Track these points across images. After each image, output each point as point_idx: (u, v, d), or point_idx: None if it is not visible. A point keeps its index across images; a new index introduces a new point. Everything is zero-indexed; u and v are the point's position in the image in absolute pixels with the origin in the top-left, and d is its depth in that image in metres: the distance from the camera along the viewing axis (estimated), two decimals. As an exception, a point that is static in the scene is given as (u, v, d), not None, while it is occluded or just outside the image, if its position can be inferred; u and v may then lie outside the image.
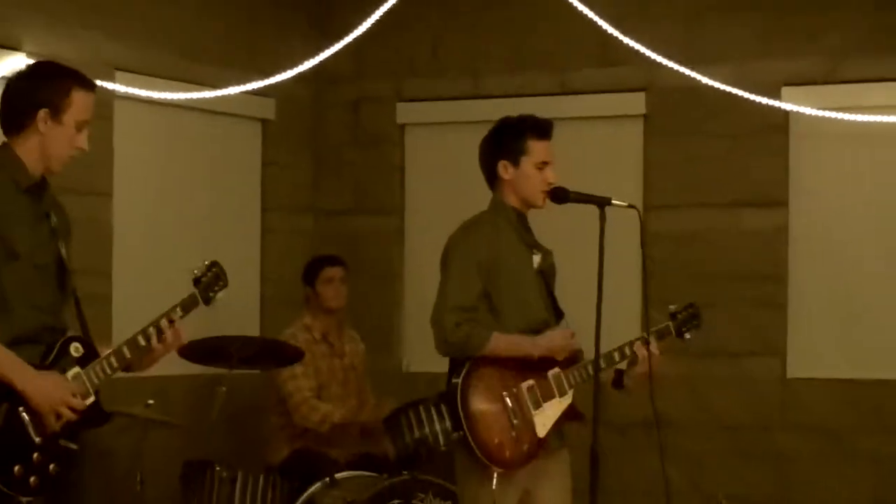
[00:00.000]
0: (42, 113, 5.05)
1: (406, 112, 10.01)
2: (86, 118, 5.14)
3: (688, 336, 6.37)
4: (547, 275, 6.22)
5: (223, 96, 9.13)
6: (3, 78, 7.77)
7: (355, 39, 9.30)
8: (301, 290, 8.69)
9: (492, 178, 6.19)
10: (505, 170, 6.12)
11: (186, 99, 8.95)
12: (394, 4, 9.06)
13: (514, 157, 6.11)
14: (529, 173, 6.10)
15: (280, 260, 9.68)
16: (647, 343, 6.11)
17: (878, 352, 9.02)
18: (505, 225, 6.14)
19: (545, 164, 6.11)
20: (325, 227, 10.09)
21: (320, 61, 9.43)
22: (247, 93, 9.28)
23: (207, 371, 7.71)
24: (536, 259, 6.17)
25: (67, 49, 8.07)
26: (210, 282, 5.30)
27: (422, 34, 9.86)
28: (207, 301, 5.29)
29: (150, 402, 7.63)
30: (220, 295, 5.33)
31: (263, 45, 9.56)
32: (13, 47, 7.95)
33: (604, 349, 5.83)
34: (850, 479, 8.96)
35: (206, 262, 5.35)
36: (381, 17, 9.15)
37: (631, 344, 6.10)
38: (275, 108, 9.72)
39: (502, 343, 5.96)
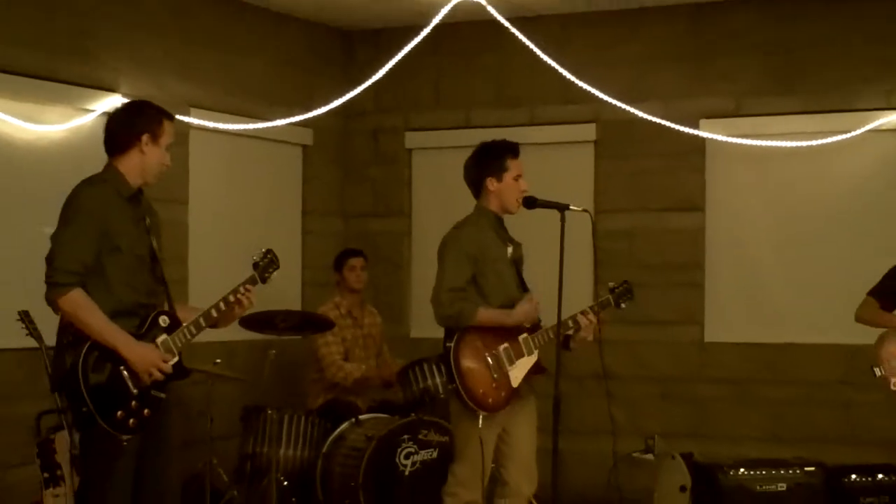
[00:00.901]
0: (145, 137, 5.10)
1: (413, 139, 10.01)
2: (171, 141, 5.22)
3: (623, 306, 6.30)
4: (517, 262, 6.20)
5: (273, 127, 9.12)
6: (104, 113, 7.69)
7: (374, 83, 9.21)
8: (332, 276, 8.69)
9: (477, 190, 6.17)
10: (491, 184, 6.09)
11: (244, 129, 8.94)
12: (402, 57, 9.08)
13: (499, 174, 6.09)
14: (510, 185, 6.08)
15: (316, 252, 9.66)
16: (596, 312, 6.11)
17: (773, 322, 9.04)
18: (486, 225, 6.13)
19: (519, 176, 6.12)
20: (351, 227, 10.08)
21: (347, 100, 9.36)
22: (291, 124, 9.25)
23: (261, 337, 7.65)
24: (510, 250, 6.15)
25: (153, 90, 8.02)
26: (266, 265, 5.33)
27: (425, 80, 9.85)
28: (264, 280, 5.31)
29: (218, 360, 7.64)
30: (273, 275, 5.36)
31: (304, 88, 9.54)
32: (111, 89, 7.96)
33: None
34: (751, 418, 9.01)
35: (263, 250, 5.39)
36: (392, 66, 9.13)
37: (575, 316, 6.07)
38: (312, 136, 9.70)
39: (485, 316, 5.98)
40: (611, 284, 6.28)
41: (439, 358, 6.43)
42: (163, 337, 5.06)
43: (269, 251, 5.40)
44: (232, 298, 5.19)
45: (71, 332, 4.93)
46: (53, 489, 6.62)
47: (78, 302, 4.87)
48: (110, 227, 4.99)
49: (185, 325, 5.12)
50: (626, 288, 6.31)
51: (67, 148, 7.73)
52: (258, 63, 9.28)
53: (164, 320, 5.10)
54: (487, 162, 6.16)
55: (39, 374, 6.92)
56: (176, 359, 5.08)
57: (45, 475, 6.64)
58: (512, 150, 6.17)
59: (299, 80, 9.60)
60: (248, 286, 5.22)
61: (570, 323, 6.06)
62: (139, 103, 5.38)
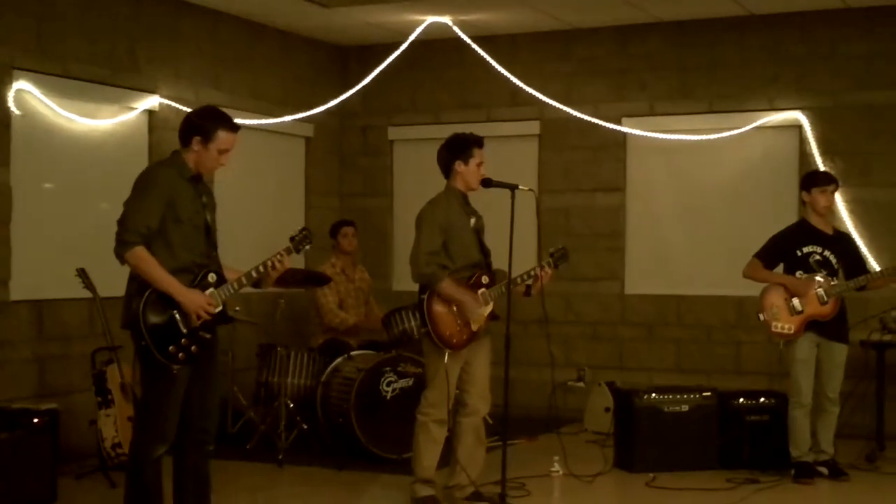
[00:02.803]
0: (196, 139, 4.96)
1: (394, 133, 9.91)
2: (227, 148, 5.00)
3: (560, 266, 6.22)
4: (479, 231, 6.13)
5: (281, 122, 9.06)
6: (145, 111, 7.82)
7: (363, 89, 9.29)
8: (329, 241, 8.59)
9: (447, 171, 6.08)
10: (459, 166, 6.01)
11: (259, 124, 8.84)
12: (385, 68, 9.12)
13: (466, 159, 6.01)
14: (474, 169, 6.02)
15: (317, 224, 9.42)
16: (552, 266, 6.09)
17: (678, 278, 9.02)
18: (454, 201, 6.05)
19: (481, 163, 6.06)
20: (345, 204, 9.98)
21: (341, 102, 9.39)
22: (296, 120, 9.19)
23: (273, 290, 7.58)
24: (473, 221, 6.07)
25: (186, 93, 8.06)
26: (301, 239, 5.18)
27: (404, 86, 9.74)
28: (298, 251, 5.19)
29: (238, 308, 7.49)
30: (307, 248, 5.23)
31: (306, 92, 9.44)
32: (152, 91, 7.89)
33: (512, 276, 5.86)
34: (661, 354, 9.02)
35: (300, 228, 5.27)
36: (377, 75, 9.18)
37: (530, 270, 5.99)
38: (313, 131, 9.60)
39: (447, 289, 5.88)
40: (551, 250, 6.22)
41: (415, 307, 6.33)
42: (210, 290, 4.98)
43: (305, 229, 5.26)
44: (269, 263, 5.10)
45: (136, 283, 4.88)
46: (105, 410, 6.63)
47: (141, 256, 4.81)
48: (174, 200, 4.89)
49: (229, 281, 5.05)
50: (563, 252, 6.25)
51: (116, 138, 7.70)
52: (271, 72, 9.20)
53: (212, 277, 4.99)
54: (458, 149, 6.08)
55: (94, 319, 6.91)
56: (220, 308, 5.01)
57: (99, 399, 6.64)
58: (478, 141, 6.10)
59: (303, 86, 9.51)
60: (283, 254, 5.13)
61: (527, 276, 6.00)
62: (206, 109, 5.15)
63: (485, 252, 6.15)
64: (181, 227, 4.92)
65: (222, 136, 4.99)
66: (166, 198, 4.87)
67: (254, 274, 5.07)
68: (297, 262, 9.07)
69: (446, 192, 6.11)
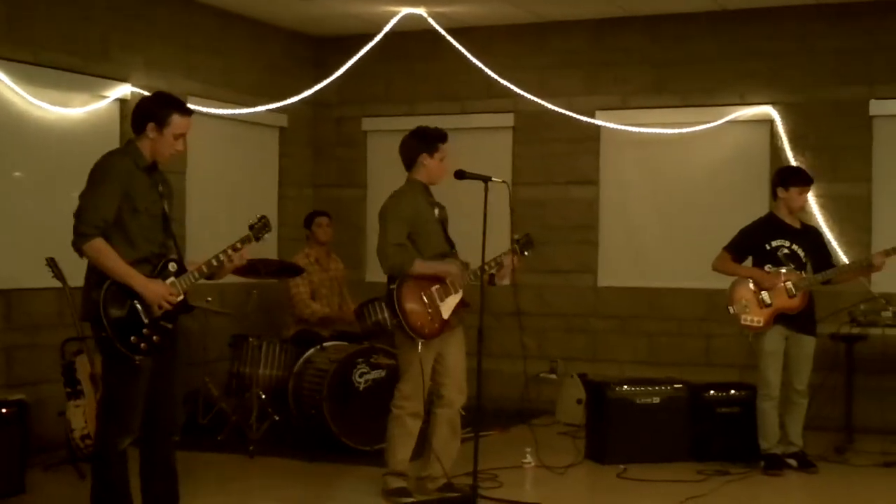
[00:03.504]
0: (151, 125, 4.93)
1: (368, 124, 9.84)
2: (181, 133, 4.97)
3: (526, 253, 6.19)
4: (443, 221, 6.11)
5: (256, 112, 9.00)
6: (116, 99, 7.77)
7: (337, 79, 9.21)
8: (303, 232, 8.56)
9: (411, 163, 6.03)
10: (425, 159, 5.98)
11: (233, 114, 8.79)
12: (360, 59, 9.06)
13: (431, 152, 6.00)
14: (437, 163, 6.00)
15: (291, 214, 9.51)
16: (515, 252, 6.06)
17: (650, 270, 9.03)
18: (418, 193, 6.01)
19: (445, 157, 6.03)
20: (319, 194, 9.92)
21: (316, 91, 9.33)
22: (270, 111, 9.13)
23: (246, 280, 7.58)
24: (437, 212, 6.05)
25: (159, 82, 7.98)
26: (260, 227, 5.17)
27: (378, 77, 9.69)
28: (258, 239, 5.18)
29: (210, 299, 7.55)
30: (266, 236, 5.23)
31: (281, 82, 9.37)
32: (123, 80, 7.81)
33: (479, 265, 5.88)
34: (633, 346, 9.02)
35: (258, 216, 5.23)
36: (352, 65, 9.13)
37: (496, 257, 5.97)
38: (287, 121, 9.54)
39: (420, 267, 5.89)
40: (516, 236, 6.19)
41: (385, 298, 6.25)
42: (171, 279, 4.96)
43: (263, 217, 5.24)
44: (230, 252, 5.07)
45: (96, 274, 4.84)
46: (75, 401, 6.57)
47: (99, 248, 4.78)
48: (131, 190, 4.87)
49: (190, 270, 5.02)
50: (528, 239, 6.23)
51: (87, 126, 7.63)
52: (246, 62, 9.13)
53: (172, 266, 4.98)
54: (424, 141, 6.05)
55: (63, 309, 6.84)
56: (182, 297, 4.98)
57: (68, 390, 6.58)
58: (443, 136, 6.07)
59: (278, 76, 9.44)
60: (240, 245, 5.09)
61: (493, 264, 5.98)
62: (157, 95, 5.12)
63: (450, 243, 6.13)
64: (138, 218, 4.89)
65: (177, 120, 4.95)
66: (122, 188, 4.84)
67: (214, 262, 5.04)
68: (270, 252, 9.06)
69: (410, 185, 6.08)
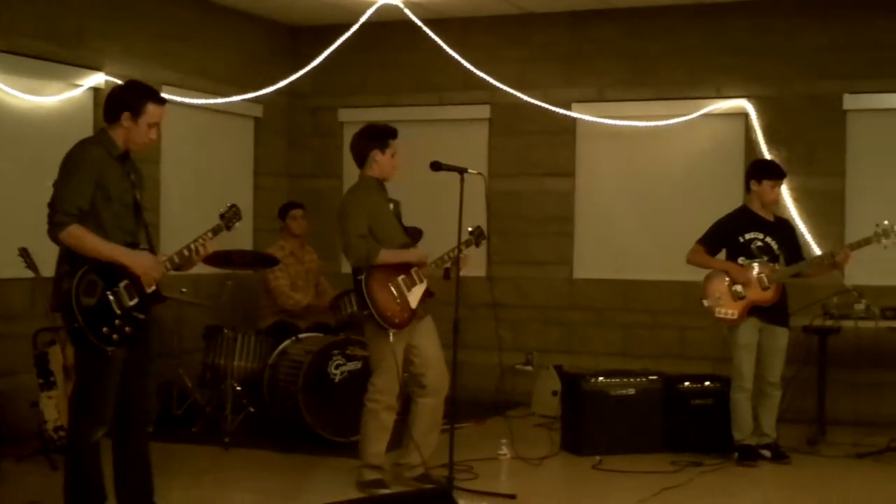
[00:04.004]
0: (126, 114, 4.90)
1: (344, 115, 9.78)
2: (155, 122, 4.95)
3: (478, 246, 6.20)
4: (398, 215, 6.12)
5: (231, 102, 8.96)
6: (90, 88, 7.72)
7: (313, 69, 9.18)
8: (278, 224, 8.53)
9: (362, 160, 6.05)
10: (377, 155, 5.99)
11: (207, 104, 8.74)
12: (336, 49, 9.02)
13: (383, 149, 6.01)
14: (389, 159, 6.01)
15: (266, 205, 9.47)
16: (460, 250, 6.03)
17: (626, 263, 9.05)
18: (373, 188, 6.02)
19: (396, 153, 6.04)
20: (294, 185, 9.88)
21: (291, 81, 9.28)
22: (245, 100, 9.08)
23: (220, 271, 7.58)
24: (392, 206, 6.08)
25: (133, 71, 7.90)
26: (231, 216, 5.18)
27: (355, 67, 9.66)
28: (229, 228, 5.18)
29: (184, 290, 7.54)
30: (237, 225, 5.23)
31: (257, 71, 9.31)
32: (97, 68, 7.76)
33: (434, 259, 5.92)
34: (608, 338, 9.04)
35: (229, 204, 5.23)
36: (328, 55, 9.09)
37: (450, 252, 5.97)
38: (263, 111, 9.50)
39: (387, 255, 5.91)
40: (469, 229, 6.18)
41: (353, 292, 6.25)
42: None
43: (233, 205, 5.24)
44: (200, 241, 5.04)
45: (68, 263, 4.79)
46: (48, 392, 6.51)
47: (77, 234, 4.74)
48: (104, 179, 4.84)
49: (162, 261, 4.97)
50: (479, 230, 6.24)
51: (60, 115, 7.57)
52: (221, 51, 9.07)
53: None
54: (375, 138, 6.06)
55: (36, 299, 6.80)
56: (154, 287, 4.94)
57: (41, 381, 6.51)
58: (393, 133, 6.10)
59: (254, 65, 9.38)
60: (211, 234, 5.08)
61: (447, 258, 6.02)
62: (131, 84, 5.09)
63: (408, 234, 6.16)
64: (111, 206, 4.86)
65: (151, 109, 4.94)
66: (95, 177, 4.81)
67: (186, 252, 5.02)
68: (245, 242, 9.02)
69: (364, 181, 6.10)
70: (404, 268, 5.96)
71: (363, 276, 5.86)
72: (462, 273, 6.06)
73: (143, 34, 8.24)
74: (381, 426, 5.98)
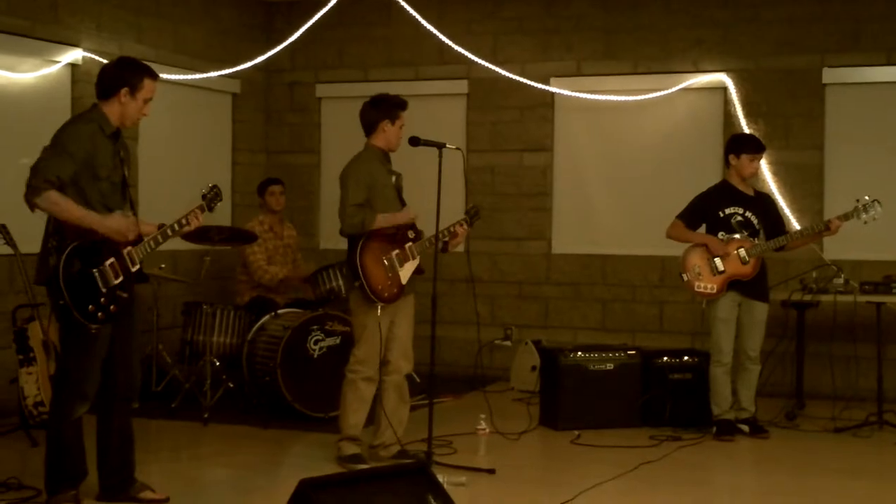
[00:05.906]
0: (124, 90, 4.94)
1: (322, 90, 9.80)
2: (150, 97, 5.03)
3: (474, 223, 6.27)
4: (399, 188, 6.16)
5: (208, 78, 8.95)
6: (68, 64, 7.68)
7: (290, 44, 9.20)
8: (257, 199, 8.54)
9: (371, 129, 6.10)
10: (386, 125, 6.05)
11: (185, 79, 8.72)
12: (312, 25, 9.02)
13: (392, 119, 6.06)
14: (397, 130, 6.07)
15: (244, 180, 9.49)
16: (468, 223, 6.17)
17: (604, 237, 9.09)
18: (375, 159, 6.07)
19: (403, 125, 6.10)
20: (272, 161, 9.89)
21: (269, 57, 9.29)
22: (223, 76, 9.10)
23: (199, 247, 7.58)
24: (394, 179, 6.12)
25: (110, 47, 7.90)
26: (212, 197, 5.24)
27: (331, 43, 9.66)
28: (210, 209, 5.23)
29: (163, 266, 7.56)
30: (218, 205, 5.30)
31: (233, 47, 9.31)
32: (74, 44, 7.74)
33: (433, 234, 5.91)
34: (586, 313, 9.09)
35: (210, 185, 5.29)
36: (305, 31, 9.09)
37: (452, 226, 6.06)
38: (240, 86, 9.49)
39: (382, 220, 5.96)
40: (467, 207, 6.27)
41: (342, 264, 6.33)
42: (128, 248, 4.95)
43: (215, 186, 5.30)
44: (184, 220, 5.09)
45: (56, 239, 4.80)
46: (27, 368, 6.51)
47: (53, 199, 4.74)
48: (94, 157, 4.87)
49: (146, 239, 5.01)
50: (476, 210, 6.33)
51: (37, 91, 7.55)
52: (198, 27, 9.05)
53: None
54: (386, 109, 6.11)
55: (15, 276, 6.77)
56: (138, 266, 4.98)
57: (20, 357, 6.52)
58: (403, 104, 6.16)
59: (230, 42, 9.37)
60: (196, 212, 5.14)
61: (446, 233, 6.06)
62: (127, 59, 5.12)
63: (403, 204, 6.17)
64: (99, 185, 4.89)
65: (147, 84, 5.01)
66: (85, 154, 4.83)
67: (169, 232, 5.06)
68: (223, 219, 9.03)
69: (368, 150, 6.13)
70: (399, 242, 6.01)
71: (359, 246, 5.90)
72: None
73: (119, 10, 8.20)
74: (360, 396, 6.03)
